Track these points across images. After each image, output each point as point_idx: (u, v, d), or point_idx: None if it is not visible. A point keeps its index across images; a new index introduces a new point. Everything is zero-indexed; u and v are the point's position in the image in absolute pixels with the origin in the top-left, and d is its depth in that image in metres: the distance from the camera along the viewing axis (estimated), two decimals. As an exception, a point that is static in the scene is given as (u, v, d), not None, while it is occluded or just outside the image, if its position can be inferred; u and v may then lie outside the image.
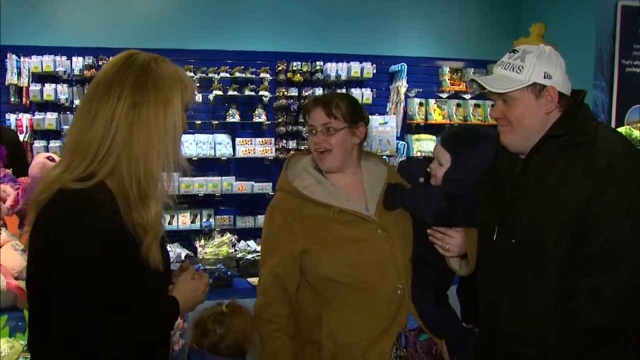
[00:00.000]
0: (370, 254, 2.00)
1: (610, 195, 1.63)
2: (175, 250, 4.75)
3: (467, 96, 5.50)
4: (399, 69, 5.30)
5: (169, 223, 4.92)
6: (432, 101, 5.42)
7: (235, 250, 4.75)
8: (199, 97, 4.93)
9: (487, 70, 5.52)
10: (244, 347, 1.99)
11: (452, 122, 5.41)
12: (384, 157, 4.97)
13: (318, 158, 2.08)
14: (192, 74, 4.86)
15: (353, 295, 1.98)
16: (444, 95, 5.49)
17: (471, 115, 5.44)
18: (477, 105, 5.47)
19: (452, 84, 5.46)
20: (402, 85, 5.25)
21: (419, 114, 5.36)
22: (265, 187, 5.06)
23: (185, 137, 4.91)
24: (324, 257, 2.00)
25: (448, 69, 5.47)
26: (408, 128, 5.42)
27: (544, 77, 1.74)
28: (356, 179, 2.13)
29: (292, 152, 5.08)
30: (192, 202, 5.05)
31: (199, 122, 5.00)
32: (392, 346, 1.96)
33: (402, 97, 5.27)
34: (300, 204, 2.05)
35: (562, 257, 1.68)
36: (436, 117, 5.38)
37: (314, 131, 2.08)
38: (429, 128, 5.45)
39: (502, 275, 1.82)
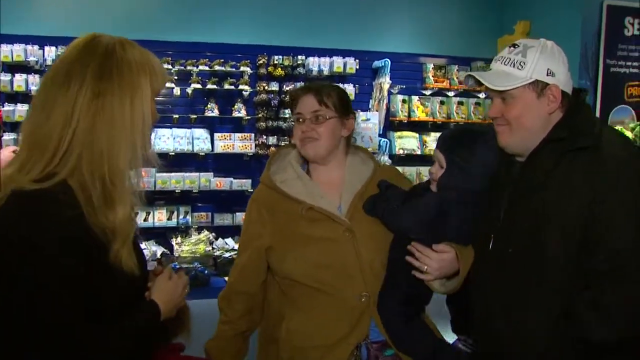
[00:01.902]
0: (335, 255, 1.89)
1: (616, 203, 1.53)
2: (151, 248, 4.64)
3: (451, 93, 5.42)
4: (382, 64, 5.20)
5: (145, 220, 4.79)
6: (415, 98, 5.33)
7: (213, 249, 4.68)
8: (177, 91, 4.80)
9: (471, 67, 5.46)
10: (177, 332, 2.02)
11: (435, 120, 5.33)
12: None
13: (302, 146, 1.99)
14: (169, 67, 4.72)
15: (316, 297, 1.89)
16: (428, 92, 5.40)
17: (454, 113, 5.37)
18: (460, 103, 5.40)
19: (436, 81, 5.36)
20: (385, 81, 5.15)
21: (401, 111, 5.27)
22: (244, 184, 4.93)
23: (163, 132, 4.81)
24: (288, 255, 1.92)
25: (432, 66, 5.38)
26: (390, 125, 5.32)
27: (547, 75, 1.64)
28: (339, 174, 2.03)
29: (272, 148, 5.00)
30: (168, 199, 4.90)
31: (177, 116, 4.85)
32: (348, 356, 1.85)
33: (385, 93, 5.17)
34: (277, 198, 1.98)
35: (565, 268, 1.58)
36: (419, 114, 5.30)
37: (301, 119, 1.98)
38: (412, 125, 5.36)
39: (498, 287, 1.71)
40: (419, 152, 5.28)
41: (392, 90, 5.26)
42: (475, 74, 1.73)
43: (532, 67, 1.64)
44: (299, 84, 5.04)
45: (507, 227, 1.70)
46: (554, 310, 1.60)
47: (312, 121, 1.95)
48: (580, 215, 1.55)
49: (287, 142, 5.01)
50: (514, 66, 1.66)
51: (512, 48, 1.70)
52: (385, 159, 5.11)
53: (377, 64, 5.28)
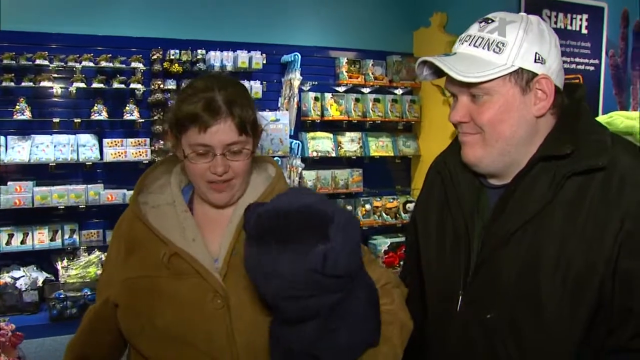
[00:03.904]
0: (198, 329, 1.38)
1: None
2: (31, 275, 4.04)
3: (366, 90, 5.06)
4: (292, 59, 4.76)
5: (22, 242, 4.15)
6: (328, 95, 4.92)
7: (105, 271, 4.13)
8: (56, 90, 4.18)
9: (386, 61, 5.13)
10: None
11: (350, 119, 4.95)
12: (276, 159, 4.45)
13: (212, 190, 1.45)
14: (47, 62, 4.08)
15: None
16: (341, 89, 5.01)
17: (370, 110, 5.01)
18: (376, 100, 5.05)
19: (350, 77, 4.98)
20: (296, 77, 4.72)
21: (314, 110, 4.85)
22: (139, 196, 4.37)
23: (42, 139, 4.18)
24: (136, 319, 1.42)
25: (345, 60, 4.99)
26: (302, 125, 4.90)
27: (535, 61, 1.21)
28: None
29: (170, 154, 4.47)
30: (50, 216, 4.28)
31: (57, 120, 4.23)
32: None
33: (296, 90, 4.74)
34: (142, 231, 1.46)
35: (572, 337, 1.17)
36: (333, 113, 4.91)
37: (211, 153, 1.40)
38: (326, 125, 4.96)
39: None
40: (333, 154, 4.90)
41: (303, 87, 4.85)
42: (432, 59, 1.26)
43: (515, 50, 1.21)
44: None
45: (484, 281, 1.26)
46: None
47: (228, 155, 1.41)
48: (603, 267, 1.15)
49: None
50: (488, 48, 1.22)
51: (484, 23, 1.26)
52: (297, 163, 4.70)
53: (286, 58, 4.84)
